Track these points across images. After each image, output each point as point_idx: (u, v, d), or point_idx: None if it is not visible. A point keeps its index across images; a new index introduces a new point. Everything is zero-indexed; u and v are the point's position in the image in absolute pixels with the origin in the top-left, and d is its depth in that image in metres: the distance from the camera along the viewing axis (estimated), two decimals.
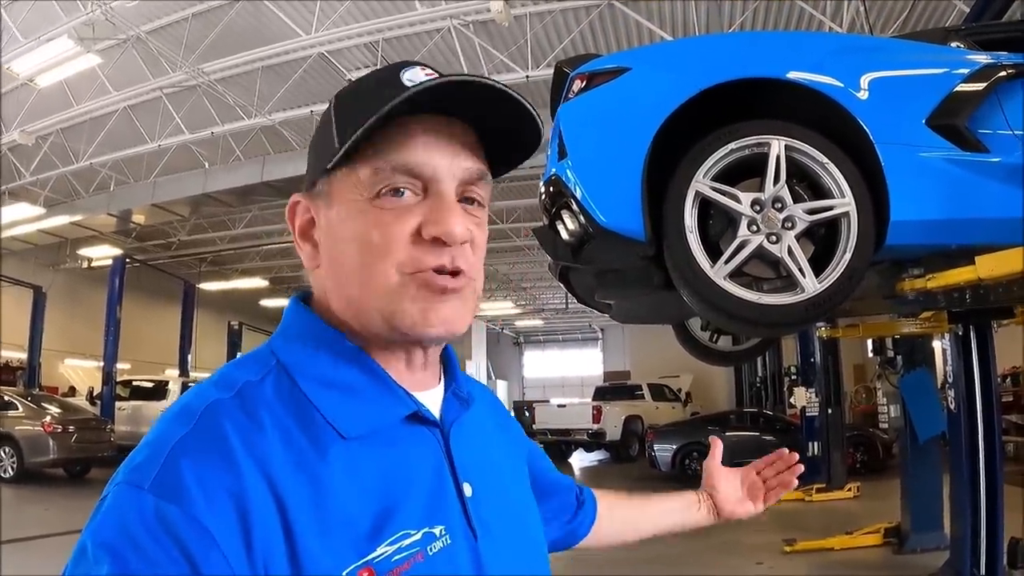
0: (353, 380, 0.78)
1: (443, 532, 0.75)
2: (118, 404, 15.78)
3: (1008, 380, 15.02)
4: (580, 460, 18.67)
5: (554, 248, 3.08)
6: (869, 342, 7.34)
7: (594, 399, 19.29)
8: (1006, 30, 3.73)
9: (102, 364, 16.50)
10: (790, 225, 2.72)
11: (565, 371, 36.77)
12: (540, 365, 38.80)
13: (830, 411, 10.79)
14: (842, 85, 2.82)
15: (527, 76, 10.19)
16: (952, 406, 5.86)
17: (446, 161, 0.78)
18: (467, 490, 0.80)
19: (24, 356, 17.94)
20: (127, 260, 17.83)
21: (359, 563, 0.68)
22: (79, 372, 21.95)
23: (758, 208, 2.74)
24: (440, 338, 0.79)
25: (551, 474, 1.22)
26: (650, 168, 2.77)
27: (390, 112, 0.73)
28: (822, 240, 2.83)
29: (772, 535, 7.73)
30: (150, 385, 16.69)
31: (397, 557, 0.70)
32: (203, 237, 20.60)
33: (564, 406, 19.42)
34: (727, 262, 2.69)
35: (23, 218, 15.71)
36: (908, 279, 3.11)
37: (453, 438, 0.82)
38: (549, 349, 38.97)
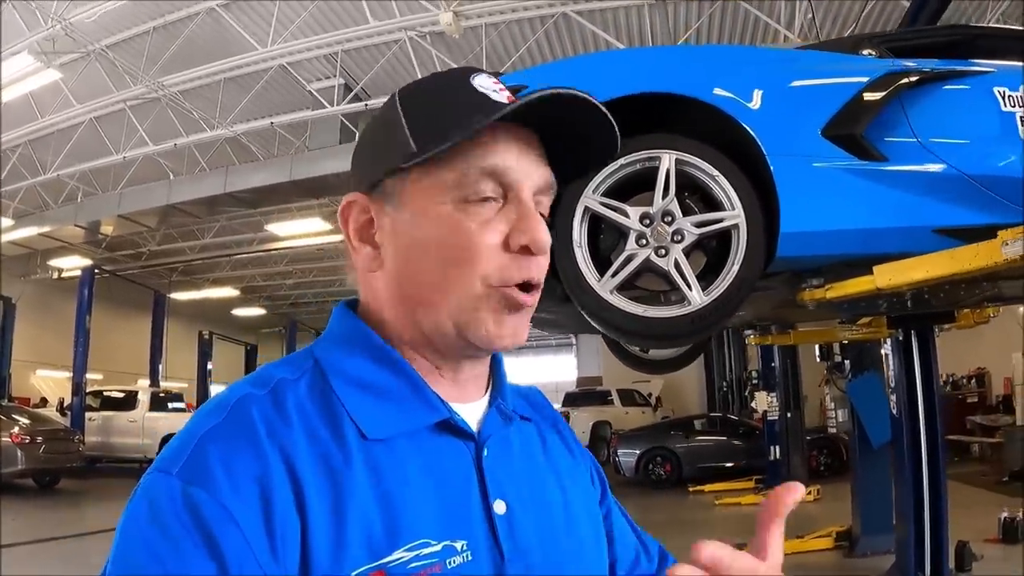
0: (384, 382, 0.77)
1: (464, 548, 0.73)
2: (88, 415, 15.75)
3: (973, 381, 15.20)
4: None
5: None
6: (816, 347, 7.40)
7: (564, 405, 19.35)
8: (919, 36, 3.78)
9: (72, 375, 16.43)
10: (679, 238, 2.75)
11: (540, 377, 36.76)
12: (515, 371, 38.61)
13: (789, 415, 10.86)
14: (734, 97, 2.85)
15: None
16: (895, 411, 5.93)
17: (530, 168, 0.78)
18: (499, 508, 0.77)
19: None
20: (96, 271, 17.74)
21: (372, 565, 0.67)
22: (50, 383, 21.82)
23: (648, 222, 2.77)
24: (506, 349, 0.80)
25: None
26: None
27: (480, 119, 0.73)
28: (715, 252, 2.87)
29: (725, 538, 7.76)
30: (120, 395, 16.66)
31: (414, 564, 0.69)
32: (173, 247, 20.56)
33: None
34: (614, 275, 2.72)
35: None
36: (808, 289, 3.16)
37: (488, 452, 0.80)
38: (523, 356, 38.94)
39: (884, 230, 2.92)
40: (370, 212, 0.81)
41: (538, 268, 0.78)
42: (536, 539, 0.79)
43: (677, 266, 2.72)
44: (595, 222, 2.83)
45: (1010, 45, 3.60)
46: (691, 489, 12.36)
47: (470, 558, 0.73)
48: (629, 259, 2.74)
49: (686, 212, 2.81)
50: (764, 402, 11.48)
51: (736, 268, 2.71)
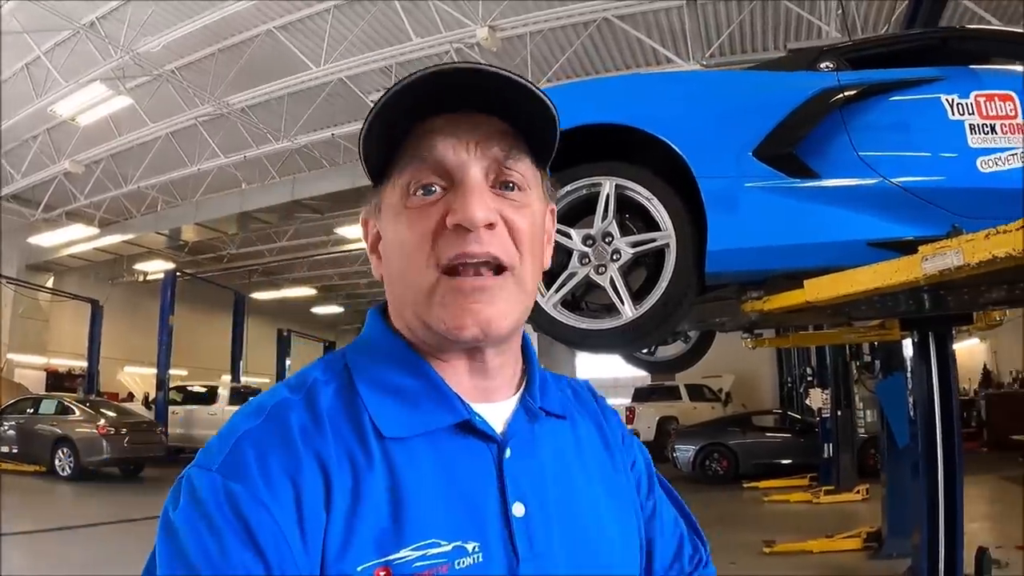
0: (405, 384, 0.79)
1: (476, 549, 0.73)
2: (172, 408, 16.70)
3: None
4: None
5: None
6: (847, 348, 7.43)
7: (633, 400, 19.45)
8: (879, 45, 3.79)
9: (156, 371, 17.46)
10: (617, 257, 3.02)
11: (617, 372, 36.72)
12: (593, 367, 38.83)
13: (839, 413, 10.78)
14: (666, 124, 3.06)
15: None
16: (912, 413, 5.95)
17: (469, 147, 0.78)
18: (518, 510, 0.77)
19: (85, 364, 19.05)
20: (178, 273, 18.79)
21: (377, 561, 0.69)
22: (136, 379, 23.18)
23: (591, 242, 3.05)
24: (476, 339, 0.77)
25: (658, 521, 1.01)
26: None
27: (412, 117, 0.78)
28: (654, 268, 3.12)
29: (761, 535, 7.87)
30: (202, 390, 17.68)
31: (420, 564, 0.70)
32: (252, 250, 21.54)
33: None
34: (557, 291, 3.02)
35: (79, 238, 16.79)
36: (749, 301, 3.35)
37: (510, 453, 0.80)
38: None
39: (817, 244, 3.03)
40: (375, 226, 0.87)
41: (479, 243, 0.76)
42: (557, 542, 0.78)
43: (612, 283, 2.99)
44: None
45: (984, 46, 3.58)
46: (746, 485, 12.35)
47: (481, 560, 0.73)
48: (571, 276, 3.03)
49: (626, 233, 3.07)
50: (819, 399, 11.38)
51: (665, 284, 2.95)
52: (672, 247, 2.98)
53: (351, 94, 11.99)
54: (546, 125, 0.81)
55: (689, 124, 3.09)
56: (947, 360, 5.71)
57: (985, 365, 17.90)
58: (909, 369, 5.89)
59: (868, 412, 7.69)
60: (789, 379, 19.10)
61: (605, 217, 3.05)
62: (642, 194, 3.04)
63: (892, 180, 3.06)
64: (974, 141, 3.10)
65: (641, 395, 19.91)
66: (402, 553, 0.70)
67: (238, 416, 0.76)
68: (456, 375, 0.81)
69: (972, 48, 3.59)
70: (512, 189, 0.80)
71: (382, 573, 0.69)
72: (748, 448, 13.41)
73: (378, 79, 11.79)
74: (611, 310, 3.13)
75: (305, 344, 24.61)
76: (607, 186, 3.07)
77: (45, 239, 16.75)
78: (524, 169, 0.81)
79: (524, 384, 0.87)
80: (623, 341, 3.01)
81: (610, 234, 3.05)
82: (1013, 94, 3.12)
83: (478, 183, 0.77)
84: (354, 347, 0.85)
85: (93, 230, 16.69)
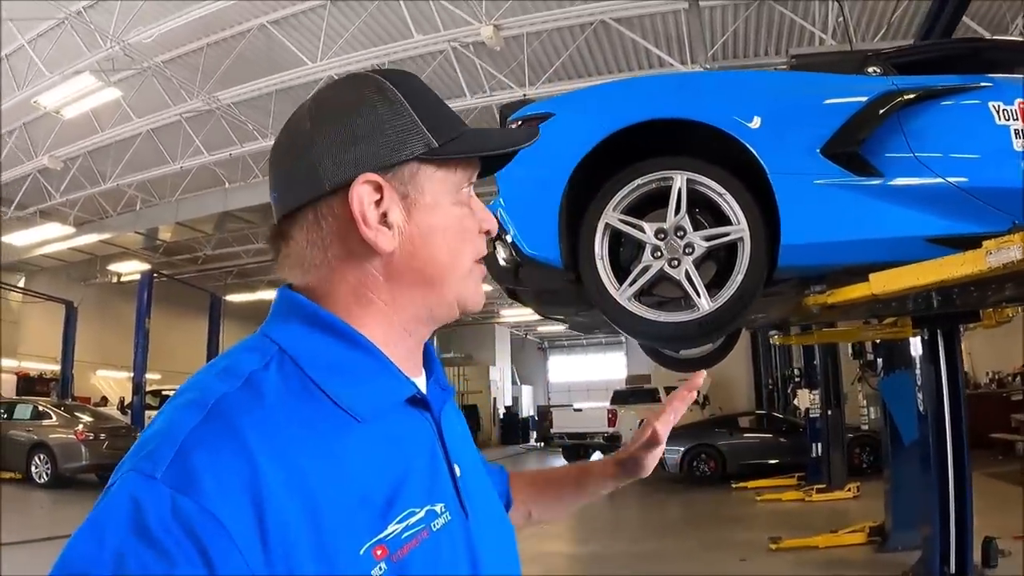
0: (360, 364, 0.80)
1: (443, 509, 0.79)
2: (148, 413, 16.35)
3: (1018, 379, 15.05)
4: None
5: (496, 272, 3.45)
6: (849, 346, 7.56)
7: (612, 403, 19.55)
8: (924, 52, 3.96)
9: (132, 375, 17.11)
10: (690, 251, 3.04)
11: (590, 375, 37.04)
12: (565, 370, 39.16)
13: (829, 412, 10.95)
14: (739, 120, 3.11)
15: (524, 94, 10.54)
16: (921, 409, 6.08)
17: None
18: (457, 471, 0.84)
19: (57, 368, 18.59)
20: (154, 275, 18.46)
21: (372, 541, 0.70)
22: (110, 383, 22.67)
23: (662, 236, 3.07)
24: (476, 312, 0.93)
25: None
26: (572, 203, 3.13)
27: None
28: (724, 262, 3.15)
29: (762, 533, 7.98)
30: None
31: (407, 534, 0.73)
32: (228, 251, 21.23)
33: (581, 410, 19.80)
34: (631, 284, 3.03)
35: (54, 237, 16.39)
36: (812, 295, 3.40)
37: (444, 421, 0.86)
38: (574, 354, 39.28)
39: (879, 240, 3.12)
40: (381, 194, 0.81)
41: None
42: (478, 495, 0.89)
43: (688, 276, 3.01)
44: (615, 237, 3.13)
45: (1015, 57, 3.77)
46: (734, 486, 12.50)
47: (450, 518, 0.79)
48: (645, 270, 3.05)
49: (697, 226, 3.09)
50: (806, 399, 11.56)
51: (740, 277, 2.99)
52: (746, 241, 3.01)
53: None
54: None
55: (762, 122, 3.12)
56: (955, 356, 5.88)
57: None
58: (919, 366, 6.03)
59: (872, 409, 7.81)
60: (770, 381, 19.30)
61: (678, 211, 3.07)
62: (714, 189, 3.07)
63: (948, 180, 3.15)
64: (1019, 145, 3.23)
65: (620, 398, 20.02)
66: (390, 528, 0.72)
67: (172, 411, 0.72)
68: (397, 355, 0.84)
69: (1003, 58, 3.74)
70: None
71: (379, 551, 0.70)
72: (735, 448, 13.57)
73: None
74: (668, 304, 3.16)
75: None
76: (679, 180, 3.09)
77: (18, 238, 16.31)
78: None
79: (424, 363, 0.93)
80: (700, 333, 3.03)
81: (682, 228, 3.07)
82: None
83: None
84: (285, 329, 0.81)
85: (69, 229, 16.29)
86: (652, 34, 10.50)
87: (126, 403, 17.08)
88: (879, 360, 7.44)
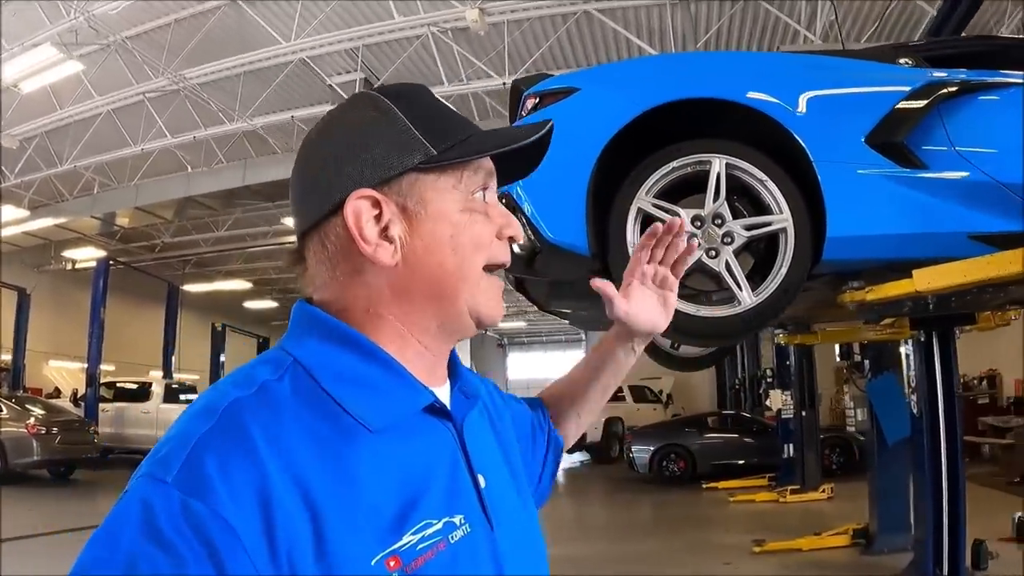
0: (373, 375, 0.79)
1: (463, 521, 0.77)
2: (102, 406, 15.88)
3: (984, 382, 15.24)
4: (562, 462, 18.85)
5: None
6: (836, 347, 7.47)
7: None
8: (955, 46, 3.83)
9: (86, 366, 16.53)
10: (729, 240, 2.82)
11: (549, 372, 36.89)
12: (525, 366, 39.09)
13: (804, 413, 10.92)
14: (782, 104, 2.91)
15: (504, 83, 10.30)
16: (915, 410, 6.01)
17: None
18: (482, 482, 0.83)
19: (8, 357, 17.90)
20: (111, 262, 17.85)
21: (385, 552, 0.69)
22: (63, 373, 21.91)
23: (699, 224, 2.85)
24: (495, 325, 0.91)
25: (529, 413, 1.23)
26: (599, 185, 2.89)
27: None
28: (762, 254, 2.95)
29: (742, 536, 7.89)
30: (134, 387, 16.80)
31: (422, 546, 0.72)
32: (187, 239, 20.61)
33: None
34: None
35: (7, 220, 15.70)
36: (849, 291, 3.22)
37: (467, 430, 0.85)
38: (533, 351, 39.22)
39: (922, 235, 2.95)
40: (380, 208, 0.81)
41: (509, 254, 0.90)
42: (506, 506, 0.86)
43: (728, 267, 2.79)
44: (648, 223, 2.89)
45: None
46: (705, 486, 12.43)
47: (469, 531, 0.77)
48: None
49: (735, 215, 2.88)
50: (779, 400, 11.56)
51: (784, 270, 2.78)
52: (790, 231, 2.81)
53: (310, 76, 11.50)
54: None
55: (808, 107, 2.91)
56: (950, 358, 5.83)
57: None
58: (913, 367, 5.96)
59: (858, 411, 7.77)
60: (736, 381, 19.35)
61: (716, 198, 2.85)
62: (755, 175, 2.86)
63: (990, 175, 3.01)
64: None
65: None
66: (404, 539, 0.71)
67: (186, 418, 0.73)
68: (416, 365, 0.83)
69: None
70: None
71: (393, 562, 0.69)
72: (705, 449, 13.51)
73: (342, 62, 11.33)
74: (706, 297, 2.96)
75: (238, 339, 23.74)
76: (717, 164, 2.87)
77: None
78: None
79: (449, 371, 0.92)
80: (743, 329, 2.82)
81: (720, 216, 2.85)
82: None
83: None
84: (300, 342, 0.81)
85: (23, 212, 15.59)
86: (635, 26, 10.32)
87: (79, 395, 16.61)
88: (866, 361, 7.35)
